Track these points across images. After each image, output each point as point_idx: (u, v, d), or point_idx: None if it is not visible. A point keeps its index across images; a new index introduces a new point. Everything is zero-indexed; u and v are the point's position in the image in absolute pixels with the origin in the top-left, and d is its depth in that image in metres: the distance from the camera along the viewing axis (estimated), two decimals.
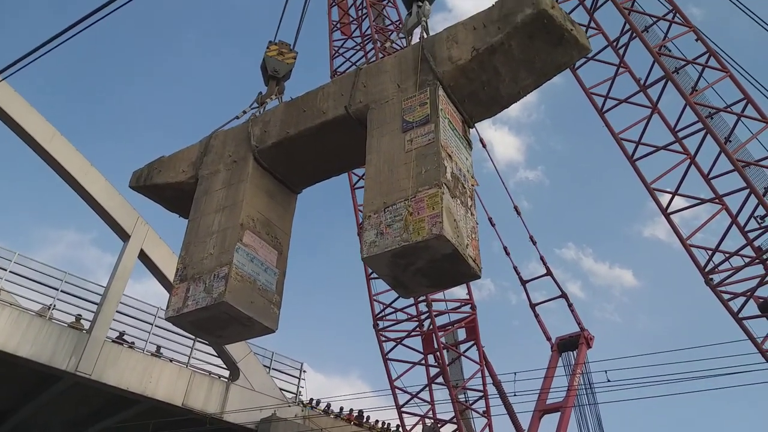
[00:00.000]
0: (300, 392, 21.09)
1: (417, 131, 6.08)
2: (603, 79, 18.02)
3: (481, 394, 19.15)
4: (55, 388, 16.95)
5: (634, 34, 17.24)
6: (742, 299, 15.36)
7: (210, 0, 74.88)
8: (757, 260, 15.23)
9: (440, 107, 6.14)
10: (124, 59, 72.45)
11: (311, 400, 21.22)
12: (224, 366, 19.31)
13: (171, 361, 18.32)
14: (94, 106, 72.95)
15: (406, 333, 19.81)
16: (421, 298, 19.19)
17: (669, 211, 16.54)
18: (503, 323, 72.57)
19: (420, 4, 7.84)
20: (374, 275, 19.16)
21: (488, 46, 6.18)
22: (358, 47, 22.96)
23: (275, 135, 7.51)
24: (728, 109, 16.04)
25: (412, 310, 19.71)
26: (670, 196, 16.58)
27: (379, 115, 6.58)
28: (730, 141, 15.66)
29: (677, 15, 17.28)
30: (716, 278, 15.68)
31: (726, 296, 15.55)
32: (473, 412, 19.27)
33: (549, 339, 21.22)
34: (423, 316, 19.56)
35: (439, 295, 19.67)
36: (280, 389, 20.14)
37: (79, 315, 17.33)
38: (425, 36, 7.19)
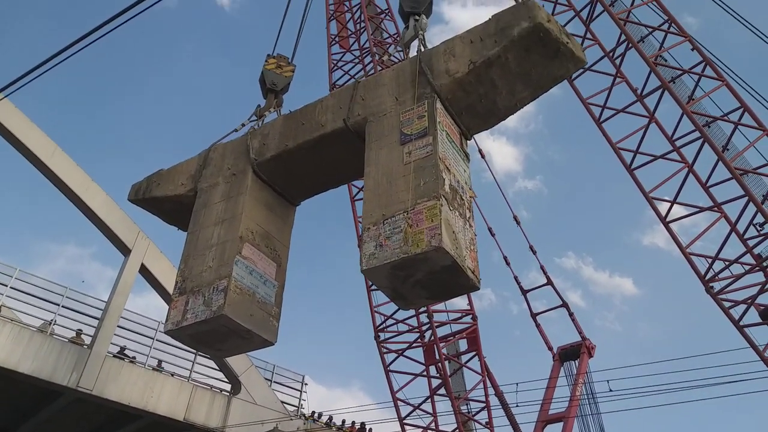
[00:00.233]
0: (302, 405, 21.02)
1: (415, 144, 6.13)
2: (600, 89, 18.11)
3: (484, 405, 19.05)
4: (56, 405, 16.89)
5: (630, 45, 17.35)
6: (743, 307, 15.31)
7: (208, 14, 75.46)
8: (757, 267, 15.21)
9: (438, 120, 6.19)
10: (124, 74, 72.89)
11: (313, 413, 21.15)
12: (226, 380, 19.25)
13: (172, 375, 18.27)
14: (95, 121, 73.27)
15: (408, 344, 19.75)
16: (422, 309, 19.15)
17: (668, 219, 16.55)
18: (504, 333, 72.36)
19: (417, 17, 7.91)
20: (374, 287, 19.14)
21: (485, 59, 6.25)
22: (356, 60, 23.11)
23: (274, 148, 7.55)
24: (725, 118, 16.09)
25: (413, 322, 19.67)
26: (669, 204, 16.60)
27: (378, 127, 6.63)
28: (728, 149, 15.70)
29: (672, 25, 17.40)
30: (717, 286, 15.65)
31: (727, 304, 15.50)
32: (476, 423, 19.16)
33: (550, 348, 21.16)
34: (424, 327, 19.51)
35: (440, 306, 19.64)
36: (282, 402, 20.06)
37: (80, 330, 17.30)
38: (423, 49, 7.26)
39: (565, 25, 18.73)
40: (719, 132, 15.91)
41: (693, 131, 16.20)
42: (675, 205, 16.56)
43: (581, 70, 17.64)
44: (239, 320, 6.49)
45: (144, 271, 18.22)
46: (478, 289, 5.78)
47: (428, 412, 19.05)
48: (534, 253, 22.09)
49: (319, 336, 74.58)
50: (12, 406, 17.86)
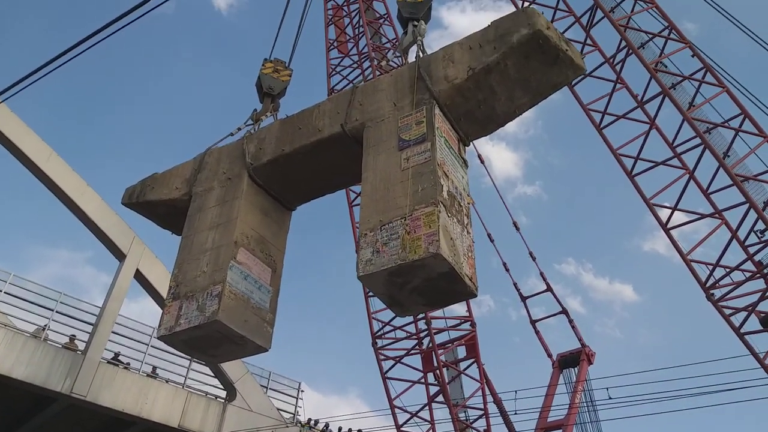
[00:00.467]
0: (298, 412, 20.89)
1: (413, 149, 6.05)
2: (600, 95, 18.09)
3: (482, 412, 18.94)
4: (49, 410, 16.75)
5: (631, 51, 17.33)
6: (743, 314, 15.24)
7: (206, 19, 75.58)
8: (758, 275, 15.14)
9: (436, 126, 6.12)
10: (121, 78, 72.90)
11: (309, 420, 20.99)
12: (221, 386, 19.11)
13: (167, 381, 18.13)
14: (91, 126, 73.25)
15: (406, 351, 19.64)
16: (421, 316, 19.06)
17: (669, 226, 16.50)
18: (504, 340, 72.22)
19: (416, 23, 7.84)
20: (372, 293, 19.03)
21: (484, 65, 6.19)
22: (355, 65, 23.07)
23: (270, 152, 7.46)
24: (726, 124, 16.06)
25: (412, 328, 19.57)
26: (670, 211, 16.56)
27: (376, 133, 6.55)
28: (729, 156, 15.66)
29: (673, 31, 17.39)
30: (717, 293, 15.57)
31: (727, 311, 15.43)
32: (474, 431, 19.04)
33: (550, 356, 21.05)
34: (422, 334, 19.40)
35: (438, 313, 19.54)
36: (278, 409, 19.94)
37: (74, 335, 17.18)
38: (421, 55, 7.19)
39: (566, 31, 18.71)
40: (720, 138, 15.88)
41: (694, 137, 16.16)
42: (676, 212, 16.53)
43: (582, 76, 17.59)
44: (233, 326, 6.38)
45: (139, 276, 18.12)
46: (476, 296, 5.70)
47: (426, 420, 18.93)
48: (533, 259, 22.02)
49: (316, 343, 74.44)
50: (5, 411, 17.72)
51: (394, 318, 19.43)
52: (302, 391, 21.39)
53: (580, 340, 20.87)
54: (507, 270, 22.12)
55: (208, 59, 78.51)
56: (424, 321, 19.22)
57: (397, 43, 21.33)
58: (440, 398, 18.83)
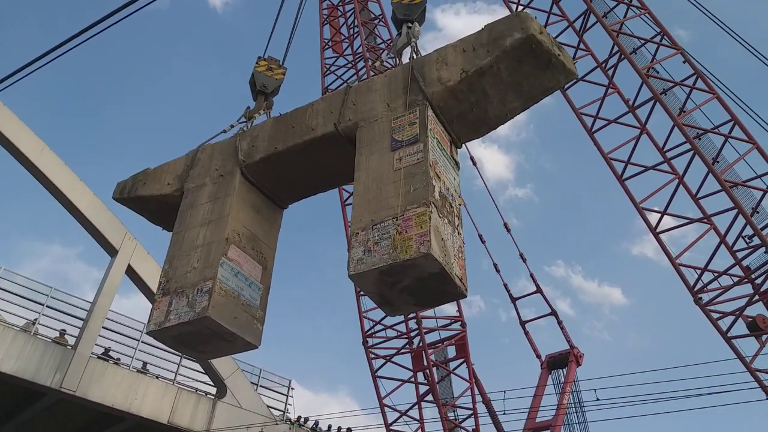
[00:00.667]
0: (288, 410, 20.90)
1: (406, 150, 6.10)
2: (592, 99, 18.20)
3: (471, 412, 19.04)
4: (39, 405, 16.68)
5: (623, 56, 17.44)
6: (731, 318, 15.38)
7: (200, 16, 75.30)
8: (746, 279, 15.29)
9: (429, 127, 6.17)
10: (115, 74, 72.53)
11: (299, 417, 21.01)
12: (211, 383, 19.09)
13: (157, 377, 18.10)
14: (83, 120, 72.83)
15: (396, 350, 19.72)
16: (411, 315, 19.12)
17: (658, 230, 16.61)
18: (493, 340, 72.46)
19: (410, 25, 7.89)
20: (363, 292, 19.07)
21: (477, 68, 6.24)
22: (349, 65, 23.11)
23: (263, 150, 7.48)
24: (716, 131, 16.20)
25: (402, 328, 19.64)
26: (659, 215, 16.67)
27: (368, 133, 6.59)
28: (718, 161, 15.80)
29: (665, 37, 17.51)
30: (705, 297, 15.71)
31: (715, 315, 15.57)
32: (463, 430, 19.13)
33: (539, 356, 21.20)
34: (413, 334, 19.47)
35: (429, 313, 19.62)
36: (268, 407, 19.93)
37: (64, 330, 17.12)
38: (415, 56, 7.24)
39: (559, 35, 18.81)
40: (710, 144, 16.01)
41: (684, 143, 16.29)
42: (665, 216, 16.64)
43: (574, 80, 17.71)
44: (223, 322, 6.40)
45: (130, 272, 18.07)
46: (465, 296, 5.75)
47: (415, 419, 19.02)
48: (524, 260, 22.15)
49: (307, 341, 74.36)
50: None
51: (384, 317, 19.50)
52: (292, 388, 21.42)
53: (568, 341, 21.03)
54: (497, 271, 22.28)
55: (202, 57, 78.33)
56: (415, 320, 19.29)
57: (391, 44, 21.40)
58: (430, 397, 18.92)
